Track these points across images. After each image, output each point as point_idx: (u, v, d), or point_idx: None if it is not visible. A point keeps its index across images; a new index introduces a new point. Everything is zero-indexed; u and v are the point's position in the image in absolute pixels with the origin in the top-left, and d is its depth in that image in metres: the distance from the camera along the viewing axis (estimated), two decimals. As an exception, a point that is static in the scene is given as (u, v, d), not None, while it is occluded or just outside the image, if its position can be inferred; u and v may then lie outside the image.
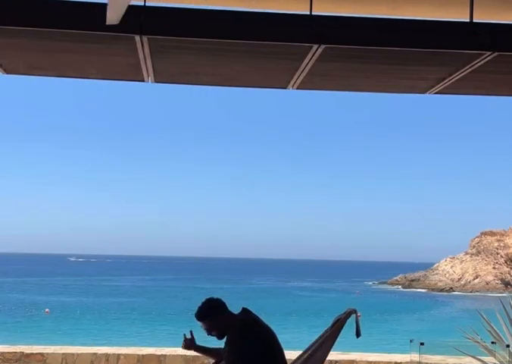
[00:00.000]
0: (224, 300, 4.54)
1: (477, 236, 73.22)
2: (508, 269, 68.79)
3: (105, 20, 3.90)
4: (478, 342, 6.96)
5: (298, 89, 5.09)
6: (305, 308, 50.02)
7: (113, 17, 3.54)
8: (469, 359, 7.05)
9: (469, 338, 7.05)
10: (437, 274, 73.76)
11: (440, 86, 5.03)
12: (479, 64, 4.44)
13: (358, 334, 4.03)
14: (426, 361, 6.72)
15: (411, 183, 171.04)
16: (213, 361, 4.83)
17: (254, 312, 4.52)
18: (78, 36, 4.12)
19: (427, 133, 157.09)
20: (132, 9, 4.09)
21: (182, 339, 4.88)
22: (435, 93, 5.23)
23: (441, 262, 74.59)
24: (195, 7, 4.25)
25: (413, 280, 77.12)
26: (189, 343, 4.85)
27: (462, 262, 71.42)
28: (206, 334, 4.65)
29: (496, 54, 4.26)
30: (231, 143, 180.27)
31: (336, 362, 7.31)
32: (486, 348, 6.94)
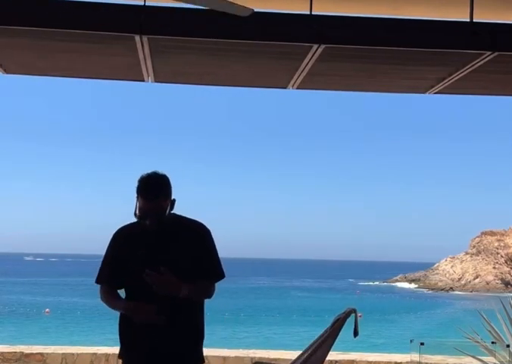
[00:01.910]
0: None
1: (477, 236, 73.21)
2: (508, 269, 68.78)
3: (106, 21, 3.91)
4: (478, 342, 6.97)
5: (298, 89, 5.09)
6: (305, 308, 50.01)
7: (241, 9, 3.49)
8: (469, 359, 7.05)
9: (470, 338, 7.05)
10: (437, 273, 73.80)
11: (440, 86, 5.03)
12: (479, 64, 4.45)
13: (356, 334, 4.04)
14: (426, 361, 6.71)
15: (411, 183, 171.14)
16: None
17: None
18: (78, 36, 4.12)
19: (427, 133, 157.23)
20: (132, 9, 4.11)
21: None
22: (435, 93, 5.24)
23: (442, 261, 74.62)
24: (195, 7, 4.24)
25: (413, 280, 77.18)
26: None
27: (462, 261, 71.43)
28: (138, 217, 3.58)
29: (496, 54, 4.27)
30: (229, 143, 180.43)
31: (336, 362, 7.31)
32: (486, 348, 6.94)
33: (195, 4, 3.40)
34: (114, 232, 3.76)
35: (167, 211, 3.60)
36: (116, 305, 3.66)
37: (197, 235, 3.68)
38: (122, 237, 3.74)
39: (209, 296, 3.71)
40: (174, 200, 3.63)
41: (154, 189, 3.55)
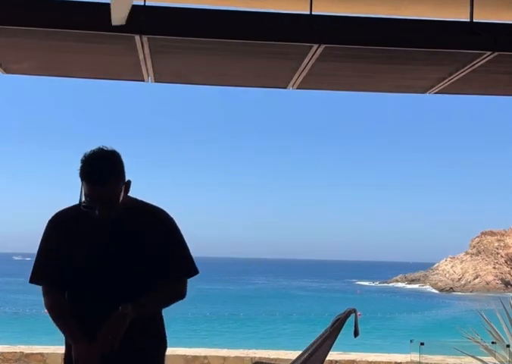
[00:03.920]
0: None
1: (477, 236, 73.21)
2: (508, 269, 68.78)
3: (106, 20, 3.90)
4: (478, 342, 6.98)
5: (298, 89, 5.09)
6: (305, 308, 50.02)
7: (118, 17, 3.52)
8: (469, 359, 7.06)
9: (470, 338, 7.07)
10: (437, 274, 73.81)
11: (440, 86, 5.03)
12: (479, 64, 4.44)
13: (356, 334, 4.04)
14: (426, 361, 6.73)
15: (411, 183, 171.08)
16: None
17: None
18: (78, 36, 4.12)
19: (426, 133, 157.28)
20: (132, 9, 4.10)
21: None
22: (435, 93, 5.23)
23: (442, 261, 74.65)
24: (195, 7, 4.25)
25: (413, 280, 77.21)
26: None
27: (462, 261, 71.43)
28: (84, 204, 2.86)
29: (496, 54, 4.27)
30: (228, 143, 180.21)
31: (336, 362, 7.31)
32: (486, 348, 6.96)
33: None
34: (50, 218, 3.05)
35: (121, 196, 2.90)
36: (65, 332, 2.97)
37: (162, 224, 3.06)
38: (61, 226, 3.02)
39: (181, 297, 3.13)
40: (129, 182, 2.94)
41: (102, 171, 2.82)
